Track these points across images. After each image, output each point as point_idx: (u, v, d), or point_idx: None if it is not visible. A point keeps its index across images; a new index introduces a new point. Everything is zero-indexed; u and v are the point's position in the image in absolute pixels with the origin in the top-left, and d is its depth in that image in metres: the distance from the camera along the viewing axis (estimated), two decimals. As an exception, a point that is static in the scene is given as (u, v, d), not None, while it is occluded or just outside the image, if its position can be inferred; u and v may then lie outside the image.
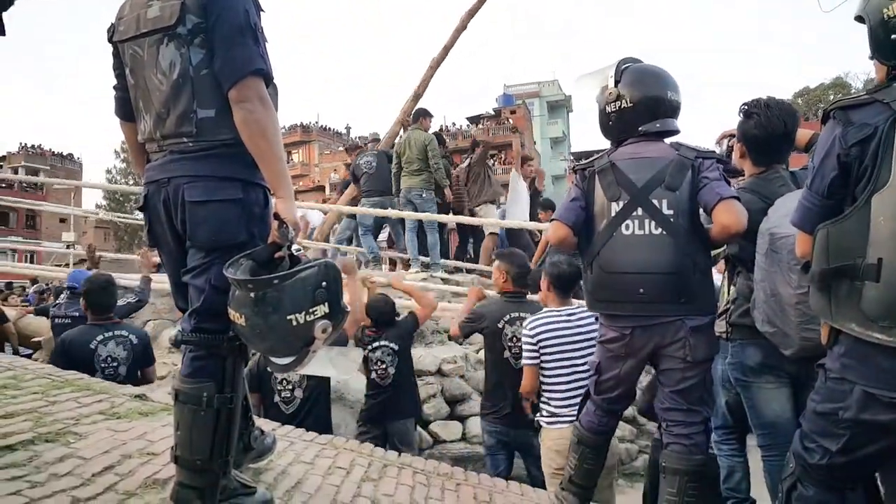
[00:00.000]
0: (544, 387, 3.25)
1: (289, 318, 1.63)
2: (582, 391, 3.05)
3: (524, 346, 3.25)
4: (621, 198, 2.29)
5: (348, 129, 50.33)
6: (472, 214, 7.43)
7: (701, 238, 2.26)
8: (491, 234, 7.54)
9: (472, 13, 8.77)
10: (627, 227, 2.27)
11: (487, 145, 8.37)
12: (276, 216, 1.74)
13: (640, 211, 2.26)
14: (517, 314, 3.59)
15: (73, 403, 2.54)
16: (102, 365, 3.54)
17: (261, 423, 2.87)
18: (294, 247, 1.75)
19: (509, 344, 3.57)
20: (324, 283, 1.67)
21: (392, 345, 3.94)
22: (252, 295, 1.64)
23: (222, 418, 1.77)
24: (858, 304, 1.49)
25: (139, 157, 2.00)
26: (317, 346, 1.70)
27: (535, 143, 41.48)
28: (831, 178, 1.56)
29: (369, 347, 3.92)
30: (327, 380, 3.72)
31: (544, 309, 3.36)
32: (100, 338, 3.57)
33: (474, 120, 41.01)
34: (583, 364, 3.12)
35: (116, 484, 1.93)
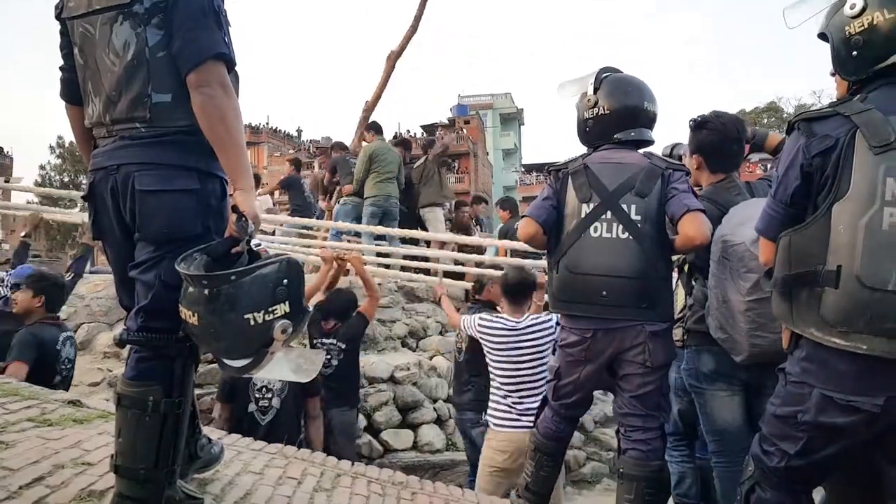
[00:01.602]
0: (492, 390, 3.36)
1: (246, 317, 1.54)
2: (527, 402, 3.16)
3: (467, 324, 3.48)
4: (592, 200, 2.32)
5: (300, 131, 49.64)
6: (419, 217, 7.43)
7: (665, 246, 2.30)
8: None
9: (398, 54, 9.08)
10: (596, 230, 2.30)
11: (446, 144, 8.36)
12: (235, 208, 1.64)
13: (609, 214, 2.29)
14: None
15: (-1, 409, 2.35)
16: (62, 367, 3.40)
17: (227, 435, 2.76)
18: (254, 241, 1.66)
19: None
20: (285, 281, 1.59)
21: (340, 344, 3.96)
22: (206, 292, 1.54)
23: (169, 424, 1.65)
24: (818, 309, 1.52)
25: (85, 143, 1.87)
26: (276, 348, 1.62)
27: (487, 153, 41.88)
28: (794, 187, 1.59)
29: (317, 341, 3.93)
30: (306, 385, 3.59)
31: (498, 315, 3.42)
32: (61, 338, 3.44)
33: (429, 129, 41.07)
34: (527, 375, 3.24)
35: (47, 497, 1.77)
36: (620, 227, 2.27)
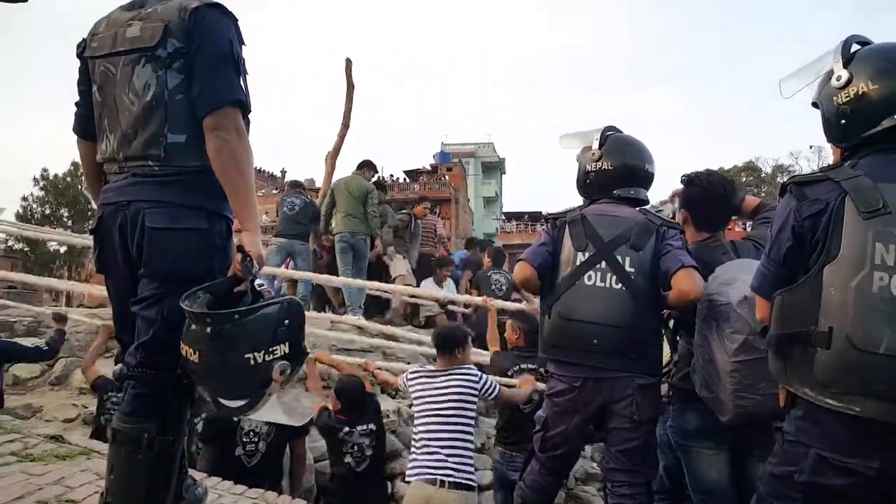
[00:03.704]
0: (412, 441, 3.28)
1: (247, 356, 1.54)
2: (442, 452, 3.03)
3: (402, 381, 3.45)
4: (588, 249, 2.38)
5: (283, 172, 49.79)
6: (383, 263, 7.42)
7: (656, 300, 2.34)
8: (399, 276, 7.50)
9: (335, 153, 9.39)
10: (590, 278, 2.34)
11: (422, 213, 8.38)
12: (241, 248, 1.67)
13: (603, 264, 2.35)
14: (525, 365, 3.85)
15: (-20, 443, 2.29)
16: None
17: (209, 477, 2.69)
18: (257, 281, 1.68)
19: None
20: (286, 322, 1.60)
21: (370, 426, 3.67)
22: (209, 329, 1.54)
23: (162, 463, 1.64)
24: (811, 369, 1.53)
25: (95, 177, 1.90)
26: (273, 389, 1.61)
27: (469, 200, 42.35)
28: (787, 248, 1.64)
29: (343, 431, 3.60)
30: (286, 432, 3.49)
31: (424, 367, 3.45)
32: None
33: (412, 174, 41.54)
34: (442, 424, 3.10)
35: (30, 534, 1.73)
36: (614, 277, 2.32)
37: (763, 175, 38.65)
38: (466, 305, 6.95)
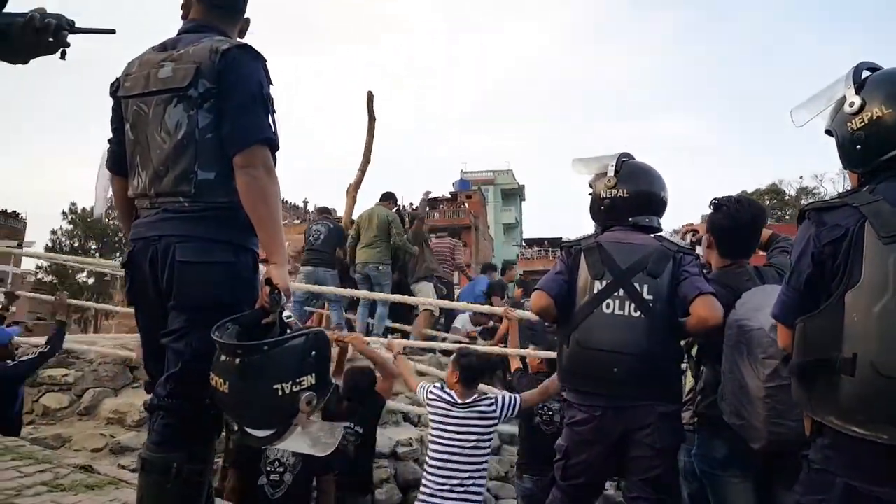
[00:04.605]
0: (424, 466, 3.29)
1: (275, 387, 1.58)
2: (451, 482, 3.06)
3: (421, 392, 3.45)
4: (605, 277, 2.37)
5: (305, 202, 50.42)
6: (410, 292, 7.41)
7: (675, 327, 2.34)
8: (425, 310, 7.54)
9: (356, 186, 9.41)
10: (608, 306, 2.34)
11: (421, 220, 8.40)
12: (269, 281, 1.71)
13: (621, 292, 2.34)
14: None
15: (13, 472, 2.36)
16: None
17: None
18: (285, 313, 1.72)
19: (539, 412, 3.95)
20: (313, 353, 1.64)
21: (357, 428, 3.73)
22: (238, 361, 1.59)
23: (190, 492, 1.67)
24: (836, 397, 1.52)
25: (126, 212, 1.98)
26: (300, 420, 1.64)
27: (489, 227, 42.42)
28: (807, 275, 1.63)
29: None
30: (312, 465, 3.45)
31: (445, 390, 3.40)
32: None
33: (432, 202, 41.79)
34: (457, 454, 3.12)
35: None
36: (633, 305, 2.32)
37: (787, 198, 38.19)
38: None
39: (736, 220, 2.54)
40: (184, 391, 1.71)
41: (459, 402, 3.28)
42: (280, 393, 1.58)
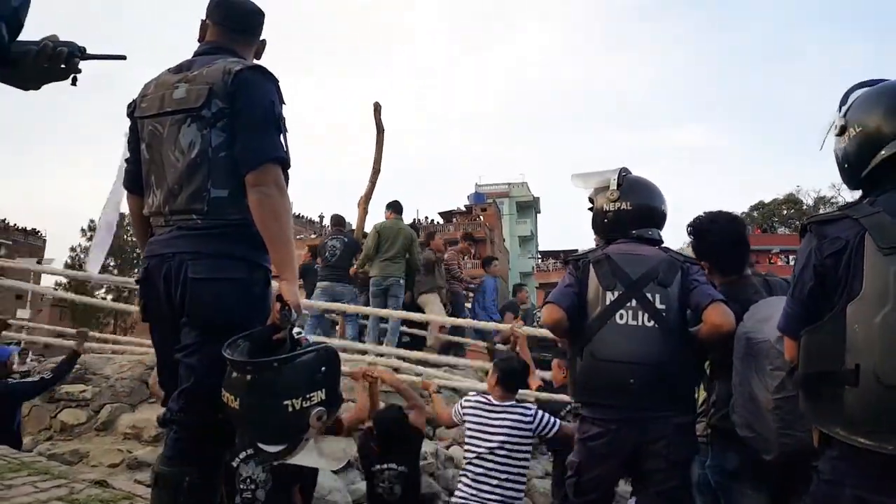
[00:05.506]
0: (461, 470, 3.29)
1: (285, 403, 1.61)
2: (483, 486, 3.08)
3: (455, 412, 3.45)
4: (616, 288, 2.38)
5: (321, 217, 50.83)
6: (418, 305, 7.52)
7: (688, 336, 2.34)
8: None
9: (367, 198, 9.51)
10: (622, 317, 2.34)
11: (439, 247, 8.44)
12: (280, 298, 1.75)
13: (633, 302, 2.35)
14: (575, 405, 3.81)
15: (30, 488, 2.40)
16: None
17: None
18: (295, 329, 1.75)
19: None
20: (323, 369, 1.67)
21: (400, 467, 3.57)
22: (249, 378, 1.62)
23: None
24: (841, 408, 1.52)
25: (142, 230, 2.03)
26: (310, 435, 1.67)
27: (504, 240, 42.43)
28: (810, 287, 1.65)
29: (376, 466, 3.57)
30: (291, 480, 3.38)
31: (479, 397, 3.41)
32: None
33: (446, 216, 41.96)
34: (491, 456, 3.14)
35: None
36: (646, 315, 2.32)
37: (804, 207, 37.83)
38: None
39: (719, 241, 2.57)
40: (196, 406, 1.75)
41: (496, 403, 3.29)
42: (290, 409, 1.61)
